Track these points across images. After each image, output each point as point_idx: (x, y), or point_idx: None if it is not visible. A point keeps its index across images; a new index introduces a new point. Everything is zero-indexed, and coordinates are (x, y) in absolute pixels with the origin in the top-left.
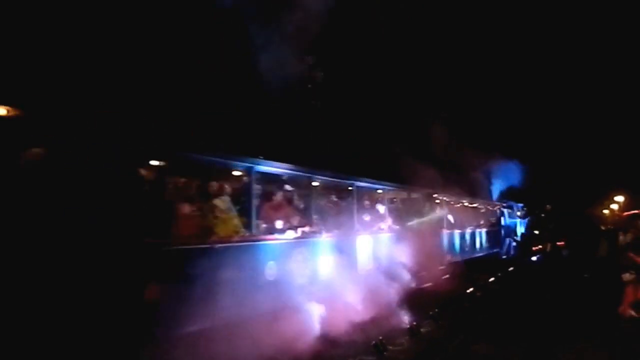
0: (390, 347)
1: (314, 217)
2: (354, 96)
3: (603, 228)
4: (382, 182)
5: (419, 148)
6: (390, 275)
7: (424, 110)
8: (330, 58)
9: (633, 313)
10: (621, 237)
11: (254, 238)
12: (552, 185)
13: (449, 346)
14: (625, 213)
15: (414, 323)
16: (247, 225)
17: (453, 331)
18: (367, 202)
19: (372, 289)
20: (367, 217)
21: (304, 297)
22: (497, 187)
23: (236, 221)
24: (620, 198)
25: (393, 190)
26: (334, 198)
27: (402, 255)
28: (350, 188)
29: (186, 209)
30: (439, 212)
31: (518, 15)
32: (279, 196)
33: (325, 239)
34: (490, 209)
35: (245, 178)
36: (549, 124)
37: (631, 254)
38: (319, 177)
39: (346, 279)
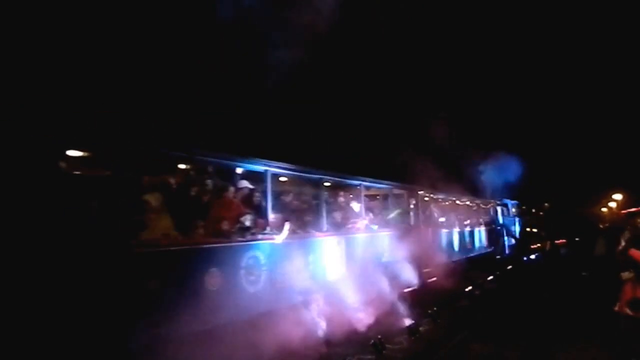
0: (389, 346)
1: (275, 216)
2: (353, 94)
3: (601, 226)
4: (359, 177)
5: (415, 145)
6: (367, 281)
7: (422, 109)
8: (331, 56)
9: (629, 311)
10: (620, 236)
11: (191, 241)
12: (550, 184)
13: (448, 345)
14: (624, 211)
15: (413, 322)
16: (184, 226)
17: (452, 330)
18: (342, 199)
19: (341, 299)
20: (339, 216)
21: (254, 309)
22: (492, 185)
23: (167, 222)
24: (618, 196)
25: (373, 186)
26: (303, 195)
27: (382, 257)
28: (325, 184)
29: (100, 207)
30: (426, 210)
31: (518, 15)
32: (230, 193)
33: (286, 241)
34: (484, 206)
35: (192, 172)
36: (548, 123)
37: (632, 251)
38: (279, 170)
39: (309, 286)
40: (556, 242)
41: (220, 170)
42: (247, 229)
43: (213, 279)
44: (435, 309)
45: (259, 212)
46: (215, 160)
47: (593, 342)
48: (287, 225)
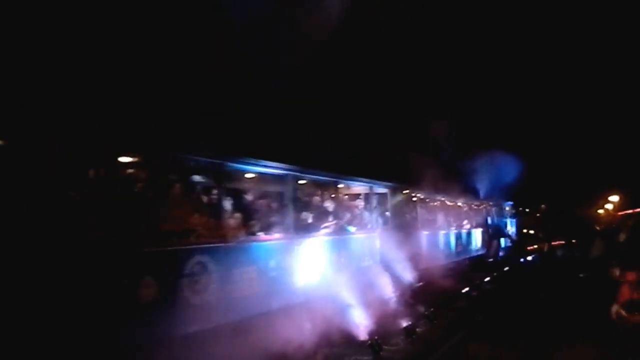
0: (386, 347)
1: (234, 216)
2: (353, 94)
3: (598, 228)
4: (334, 174)
5: (411, 144)
6: (343, 288)
7: (420, 108)
8: (331, 56)
9: (624, 313)
10: (617, 237)
11: (116, 244)
12: (547, 185)
13: (445, 346)
14: (620, 213)
15: (410, 323)
16: (112, 227)
17: (449, 331)
18: (316, 199)
19: (310, 309)
20: (310, 216)
21: (199, 323)
22: (487, 185)
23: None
24: (615, 198)
25: (351, 184)
26: (269, 194)
27: (361, 262)
28: (300, 182)
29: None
30: (412, 211)
31: (518, 14)
32: (177, 189)
33: (243, 245)
34: (477, 207)
35: (134, 165)
36: (545, 124)
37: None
38: (238, 164)
39: (270, 295)
40: (553, 243)
41: (174, 164)
42: (193, 230)
43: (146, 289)
44: (432, 309)
45: (213, 211)
46: (162, 153)
47: (590, 343)
48: (246, 227)
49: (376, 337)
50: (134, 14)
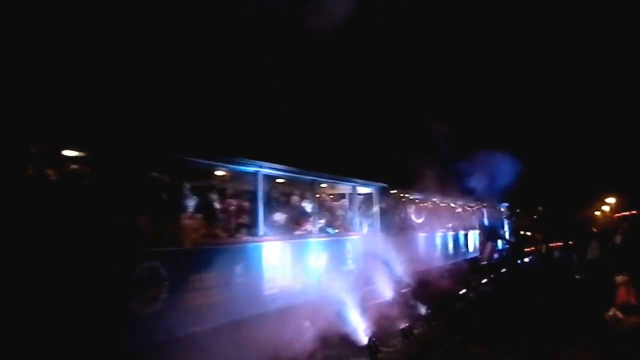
0: (384, 349)
1: (194, 216)
2: (352, 94)
3: (595, 230)
4: (311, 172)
5: (407, 144)
6: (321, 294)
7: (417, 108)
8: (330, 56)
9: (620, 315)
10: (613, 239)
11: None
12: (544, 186)
13: (443, 347)
14: (617, 215)
15: (407, 325)
16: (42, 227)
17: (447, 333)
18: (295, 198)
19: (280, 319)
20: (284, 217)
21: (148, 336)
22: (483, 186)
23: None
24: (611, 200)
25: (333, 183)
26: (239, 193)
27: (343, 266)
28: (276, 180)
29: None
30: (400, 212)
31: (517, 14)
32: (124, 186)
33: (203, 248)
34: (471, 208)
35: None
36: (541, 125)
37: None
38: (198, 160)
39: (233, 304)
40: (551, 245)
41: (121, 158)
42: (142, 232)
43: (83, 297)
44: (429, 311)
45: (167, 212)
46: (104, 145)
47: (590, 343)
48: (208, 229)
49: (374, 339)
50: (135, 13)
